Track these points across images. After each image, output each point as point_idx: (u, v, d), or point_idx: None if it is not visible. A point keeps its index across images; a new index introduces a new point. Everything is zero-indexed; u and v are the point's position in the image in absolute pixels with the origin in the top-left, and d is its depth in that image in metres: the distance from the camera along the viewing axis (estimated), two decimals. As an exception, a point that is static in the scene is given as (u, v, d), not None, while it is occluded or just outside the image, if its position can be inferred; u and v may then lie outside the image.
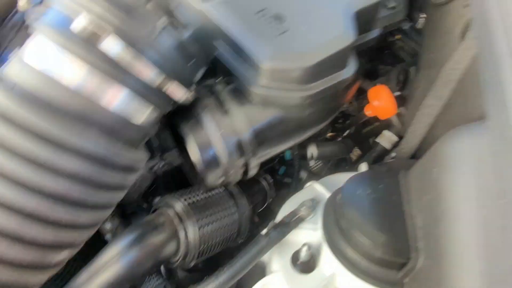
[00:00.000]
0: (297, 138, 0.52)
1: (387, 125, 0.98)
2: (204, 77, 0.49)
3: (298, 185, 0.92)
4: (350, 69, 0.45)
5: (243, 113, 0.44)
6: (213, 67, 0.46)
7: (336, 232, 0.48)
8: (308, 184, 0.64)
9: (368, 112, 0.73)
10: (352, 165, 0.99)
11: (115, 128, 0.32)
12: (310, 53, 0.39)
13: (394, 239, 0.43)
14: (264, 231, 0.51)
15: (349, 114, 1.14)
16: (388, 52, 0.97)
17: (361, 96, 1.02)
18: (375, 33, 0.51)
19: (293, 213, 0.54)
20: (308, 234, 0.53)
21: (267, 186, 0.83)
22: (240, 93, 0.44)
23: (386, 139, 0.97)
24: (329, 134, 1.15)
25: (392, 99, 0.62)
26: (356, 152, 1.30)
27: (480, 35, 0.39)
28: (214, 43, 0.43)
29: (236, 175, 0.45)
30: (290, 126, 0.48)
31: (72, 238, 0.32)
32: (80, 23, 0.27)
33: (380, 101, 0.62)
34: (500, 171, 0.30)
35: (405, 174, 0.51)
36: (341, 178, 0.65)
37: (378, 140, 0.96)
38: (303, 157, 0.94)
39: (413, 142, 0.63)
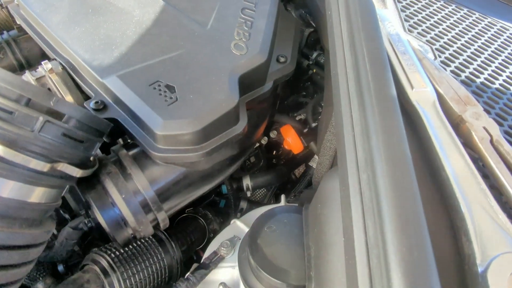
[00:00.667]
0: (206, 186, 0.57)
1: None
2: (115, 136, 0.53)
3: (238, 216, 0.97)
4: (241, 124, 0.51)
5: (145, 175, 0.48)
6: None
7: (248, 269, 0.53)
8: (232, 221, 0.69)
9: (286, 146, 0.80)
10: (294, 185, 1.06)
11: (7, 213, 0.35)
12: (198, 119, 0.45)
13: (292, 270, 0.48)
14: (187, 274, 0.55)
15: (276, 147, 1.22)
16: (309, 83, 1.08)
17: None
18: (267, 87, 0.58)
19: (213, 254, 0.59)
20: (227, 272, 0.57)
21: (204, 223, 0.87)
22: (143, 156, 0.49)
23: (316, 162, 1.06)
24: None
25: (297, 138, 0.70)
26: (299, 169, 1.38)
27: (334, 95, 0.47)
28: (114, 113, 0.48)
29: (147, 230, 0.49)
30: (195, 179, 0.53)
31: None
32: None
33: (289, 139, 0.70)
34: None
35: (306, 208, 0.57)
36: (261, 212, 0.71)
37: (311, 163, 1.05)
38: (240, 189, 0.99)
39: (321, 173, 0.70)
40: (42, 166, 0.36)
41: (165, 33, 0.55)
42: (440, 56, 0.46)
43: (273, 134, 1.01)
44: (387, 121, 0.34)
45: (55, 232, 0.73)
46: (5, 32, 0.81)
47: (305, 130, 0.87)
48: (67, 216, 0.74)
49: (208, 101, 0.47)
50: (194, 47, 0.54)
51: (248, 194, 1.11)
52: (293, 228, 0.55)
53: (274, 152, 1.16)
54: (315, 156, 1.05)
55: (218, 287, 0.52)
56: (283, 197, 0.73)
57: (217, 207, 1.02)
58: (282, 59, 0.62)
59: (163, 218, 0.49)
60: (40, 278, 0.67)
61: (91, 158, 0.44)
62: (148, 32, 0.56)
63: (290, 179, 1.25)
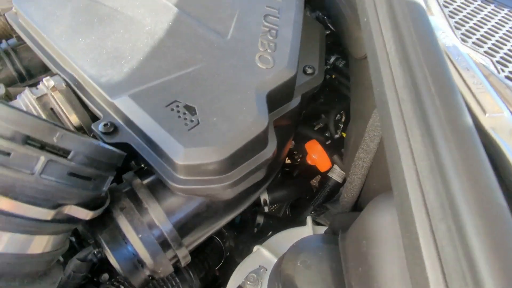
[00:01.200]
0: (230, 216, 0.51)
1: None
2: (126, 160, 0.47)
3: (255, 231, 0.91)
4: (270, 148, 0.45)
5: (163, 209, 0.42)
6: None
7: (281, 309, 0.47)
8: (255, 249, 0.63)
9: (309, 161, 0.74)
10: (309, 201, 1.00)
11: (4, 269, 0.29)
12: (224, 146, 0.39)
13: (334, 316, 0.42)
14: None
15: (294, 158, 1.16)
16: (328, 89, 1.01)
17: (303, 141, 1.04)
18: (295, 102, 0.51)
19: (239, 289, 0.52)
20: (256, 310, 0.51)
21: (220, 242, 0.81)
22: (159, 186, 0.43)
23: (337, 173, 1.00)
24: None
25: (324, 155, 0.63)
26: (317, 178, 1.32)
27: (379, 104, 0.40)
28: (126, 137, 0.42)
29: (166, 270, 0.43)
30: (218, 209, 0.47)
31: None
32: None
33: (315, 155, 0.63)
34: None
35: (342, 238, 0.51)
36: (287, 236, 0.65)
37: (330, 174, 0.98)
38: (257, 204, 0.93)
39: (352, 192, 0.64)
40: (46, 214, 0.30)
41: (180, 45, 0.49)
42: (503, 71, 0.40)
43: (291, 145, 0.95)
44: (469, 157, 0.27)
45: (61, 258, 0.67)
46: (3, 41, 0.75)
47: (328, 142, 0.80)
48: (73, 239, 0.68)
49: (234, 124, 0.41)
50: (214, 60, 0.48)
51: (266, 209, 1.05)
52: (329, 262, 0.48)
53: (290, 161, 1.09)
54: (335, 166, 0.99)
55: (247, 333, 0.46)
56: (309, 219, 0.67)
57: (231, 222, 0.96)
58: (309, 71, 0.55)
59: (184, 255, 0.43)
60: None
61: (101, 194, 0.38)
62: (162, 44, 0.49)
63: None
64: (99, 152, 0.33)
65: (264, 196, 0.92)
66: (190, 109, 0.42)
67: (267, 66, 0.47)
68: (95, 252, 0.57)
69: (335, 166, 0.97)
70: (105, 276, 0.67)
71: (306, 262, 0.48)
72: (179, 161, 0.39)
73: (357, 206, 0.66)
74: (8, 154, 0.28)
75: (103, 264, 0.70)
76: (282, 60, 0.48)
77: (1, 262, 0.29)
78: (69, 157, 0.31)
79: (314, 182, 1.22)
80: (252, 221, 0.94)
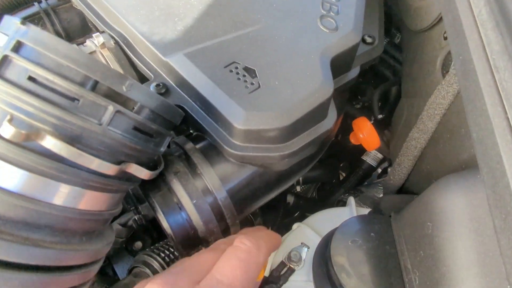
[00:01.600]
0: (280, 188, 0.49)
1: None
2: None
3: (286, 210, 0.89)
4: (331, 119, 0.42)
5: (218, 174, 0.40)
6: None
7: (328, 287, 0.45)
8: (295, 225, 0.61)
9: (353, 140, 0.70)
10: (338, 185, 0.97)
11: (65, 225, 0.28)
12: (287, 112, 0.36)
13: (390, 297, 0.40)
14: None
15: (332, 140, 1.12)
16: (369, 69, 0.96)
17: (344, 121, 1.00)
18: (354, 72, 0.48)
19: (282, 265, 0.51)
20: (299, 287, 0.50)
21: (251, 217, 0.79)
22: (213, 152, 0.41)
23: (371, 156, 0.96)
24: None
25: (375, 133, 0.60)
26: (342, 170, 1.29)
27: (463, 74, 0.37)
28: (178, 99, 0.40)
29: (217, 238, 0.42)
30: (270, 180, 0.44)
31: None
32: (6, 129, 0.23)
33: (364, 133, 0.60)
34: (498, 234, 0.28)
35: (397, 219, 0.48)
36: (328, 217, 0.62)
37: (364, 157, 0.95)
38: (289, 184, 0.91)
39: (400, 175, 0.60)
40: (109, 168, 0.28)
41: (237, 4, 0.46)
42: None
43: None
44: None
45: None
46: (43, 0, 0.73)
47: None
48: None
49: (297, 90, 0.38)
50: (273, 21, 0.44)
51: (298, 188, 1.03)
52: (382, 243, 0.46)
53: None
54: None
55: (294, 309, 0.44)
56: (352, 199, 0.64)
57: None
58: (369, 40, 0.51)
59: (234, 224, 0.41)
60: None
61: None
62: (217, 2, 0.46)
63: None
64: (163, 108, 0.31)
65: (297, 175, 0.90)
66: (250, 72, 0.39)
67: (330, 29, 0.44)
68: (136, 219, 0.56)
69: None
70: (138, 244, 0.67)
71: (358, 241, 0.46)
72: (238, 125, 0.37)
73: (403, 189, 0.62)
74: (77, 100, 0.26)
75: (136, 233, 0.70)
76: (347, 24, 0.44)
77: (62, 217, 0.28)
78: (135, 109, 0.29)
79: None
80: (281, 200, 0.92)
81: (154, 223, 0.64)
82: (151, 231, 0.67)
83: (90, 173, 0.28)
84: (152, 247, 0.56)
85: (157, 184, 0.39)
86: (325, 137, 0.42)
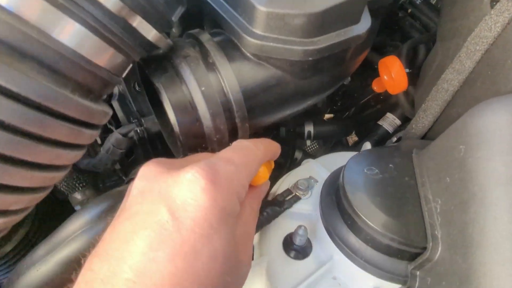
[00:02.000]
0: (292, 107, 0.44)
1: (390, 108, 0.92)
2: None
3: (292, 166, 0.86)
4: (363, 25, 0.37)
5: (232, 68, 0.36)
6: (199, 21, 0.39)
7: (337, 216, 0.42)
8: (304, 161, 0.57)
9: (376, 87, 0.66)
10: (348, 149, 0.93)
11: (60, 65, 0.24)
12: (318, -3, 0.32)
13: (406, 225, 0.36)
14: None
15: (350, 95, 1.08)
16: (397, 28, 0.91)
17: (365, 72, 0.95)
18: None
19: (287, 192, 0.47)
20: (303, 216, 0.46)
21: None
22: (230, 45, 0.36)
23: (389, 122, 0.91)
24: (327, 116, 1.09)
25: (404, 72, 0.55)
26: (352, 137, 1.25)
27: None
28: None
29: (221, 144, 0.38)
30: (287, 92, 0.40)
31: (17, 200, 0.25)
32: None
33: (392, 73, 0.55)
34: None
35: (420, 154, 0.44)
36: (340, 157, 0.58)
37: (380, 122, 0.90)
38: (300, 136, 0.87)
39: (425, 121, 0.56)
40: (116, 6, 0.24)
41: None
42: None
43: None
44: None
45: (99, 141, 0.64)
46: None
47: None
48: (113, 127, 0.65)
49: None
50: None
51: (308, 143, 0.99)
52: (401, 174, 0.42)
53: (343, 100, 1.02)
54: (387, 114, 0.91)
55: (297, 230, 0.41)
56: (368, 144, 0.60)
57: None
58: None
59: (243, 134, 0.37)
60: (79, 188, 0.60)
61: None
62: None
63: (341, 141, 1.12)
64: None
65: (310, 128, 0.86)
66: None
67: None
68: (138, 131, 0.53)
69: (388, 114, 0.89)
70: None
71: (374, 170, 0.42)
72: (261, 6, 0.32)
73: (425, 138, 0.58)
74: None
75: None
76: None
77: (60, 55, 0.24)
78: None
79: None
80: (289, 156, 0.89)
81: (157, 147, 0.61)
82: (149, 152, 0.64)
83: (98, 8, 0.24)
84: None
85: (164, 66, 0.35)
86: (354, 45, 0.37)
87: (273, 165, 0.42)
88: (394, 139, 1.00)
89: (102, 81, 0.28)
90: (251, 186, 0.35)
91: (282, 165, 0.87)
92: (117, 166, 0.67)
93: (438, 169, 0.38)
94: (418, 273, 0.35)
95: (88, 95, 0.28)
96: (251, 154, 0.33)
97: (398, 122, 0.89)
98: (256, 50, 0.35)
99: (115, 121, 0.64)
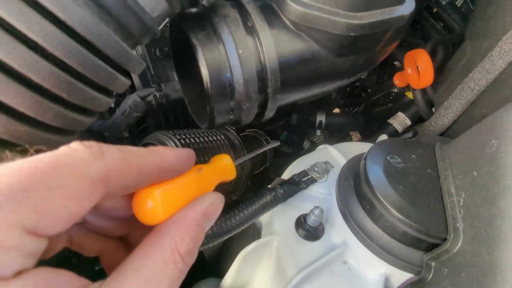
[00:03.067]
0: (321, 86, 0.43)
1: (401, 107, 0.91)
2: None
3: (300, 154, 0.85)
4: (407, 7, 0.36)
5: (271, 35, 0.35)
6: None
7: (354, 201, 0.41)
8: (321, 146, 0.57)
9: (398, 81, 0.65)
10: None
11: (109, 1, 0.23)
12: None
13: (426, 215, 0.36)
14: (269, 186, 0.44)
15: (363, 89, 1.07)
16: (418, 28, 0.90)
17: (383, 68, 0.94)
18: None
19: (304, 173, 0.47)
20: (318, 199, 0.46)
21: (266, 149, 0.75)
22: (270, 11, 0.35)
23: (399, 121, 0.91)
24: (336, 110, 1.08)
25: (432, 65, 0.54)
26: (356, 135, 1.24)
27: None
28: None
29: (249, 114, 0.37)
30: (320, 68, 0.39)
31: (47, 138, 0.24)
32: None
33: (420, 66, 0.54)
34: None
35: (443, 147, 0.43)
36: (356, 146, 0.58)
37: (390, 121, 0.90)
38: (311, 125, 0.86)
39: (445, 119, 0.55)
40: None
41: None
42: None
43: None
44: None
45: (113, 105, 0.63)
46: None
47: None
48: (127, 93, 0.64)
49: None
50: None
51: (318, 132, 0.98)
52: (424, 166, 0.41)
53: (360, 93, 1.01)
54: (398, 114, 0.90)
55: (313, 210, 0.40)
56: (385, 136, 0.59)
57: (277, 138, 0.90)
58: None
59: (273, 106, 0.36)
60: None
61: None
62: None
63: (345, 136, 1.12)
64: None
65: (322, 118, 0.85)
66: None
67: None
68: (157, 95, 0.51)
69: (399, 113, 0.89)
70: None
71: (397, 159, 0.42)
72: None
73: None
74: None
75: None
76: None
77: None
78: None
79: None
80: (297, 145, 0.88)
81: (170, 118, 0.60)
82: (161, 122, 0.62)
83: None
84: (167, 130, 0.51)
85: (202, 23, 0.34)
86: (396, 26, 0.36)
87: (228, 168, 0.28)
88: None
89: (142, 27, 0.27)
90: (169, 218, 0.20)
91: (286, 155, 0.87)
92: (125, 134, 0.66)
93: (464, 163, 0.38)
94: (433, 263, 0.35)
95: (127, 40, 0.27)
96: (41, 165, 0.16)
97: (408, 122, 0.89)
98: (297, 18, 0.34)
99: (130, 86, 0.63)
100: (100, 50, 0.23)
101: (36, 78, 0.20)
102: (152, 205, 0.19)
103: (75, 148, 0.18)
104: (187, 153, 0.22)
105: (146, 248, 0.18)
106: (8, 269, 0.15)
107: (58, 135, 0.25)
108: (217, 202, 0.21)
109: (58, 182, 0.16)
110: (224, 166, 0.28)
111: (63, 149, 0.18)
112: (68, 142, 0.28)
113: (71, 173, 0.17)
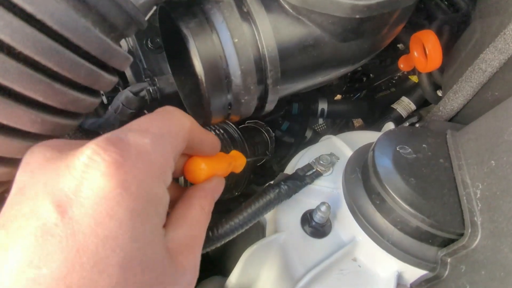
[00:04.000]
0: (324, 74, 0.41)
1: (405, 92, 0.88)
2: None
3: (302, 143, 0.83)
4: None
5: (269, 21, 0.32)
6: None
7: (362, 195, 0.39)
8: (324, 137, 0.54)
9: (403, 64, 0.62)
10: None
11: None
12: None
13: (440, 209, 0.34)
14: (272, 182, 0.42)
15: (365, 74, 1.04)
16: (422, 7, 0.86)
17: (386, 52, 0.91)
18: None
19: (308, 166, 0.44)
20: (324, 193, 0.44)
21: (267, 138, 0.73)
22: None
23: (403, 106, 0.88)
24: (337, 97, 1.05)
25: (440, 47, 0.51)
26: (358, 122, 1.22)
27: None
28: None
29: (248, 107, 0.35)
30: (323, 55, 0.36)
31: (25, 147, 0.22)
32: None
33: (427, 48, 0.51)
34: None
35: (456, 135, 0.41)
36: (362, 136, 0.55)
37: (394, 106, 0.87)
38: (313, 113, 0.84)
39: (454, 104, 0.53)
40: None
41: None
42: None
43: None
44: None
45: (105, 100, 0.60)
46: None
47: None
48: (120, 87, 0.61)
49: None
50: None
51: (320, 121, 0.96)
52: (436, 156, 0.39)
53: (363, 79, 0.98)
54: (402, 98, 0.88)
55: (319, 206, 0.38)
56: (391, 124, 0.57)
57: (278, 129, 0.87)
58: None
59: (273, 98, 0.34)
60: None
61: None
62: None
63: (347, 123, 1.09)
64: None
65: (323, 105, 0.82)
66: None
67: None
68: (151, 90, 0.49)
69: (403, 98, 0.86)
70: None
71: (407, 149, 0.39)
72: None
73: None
74: None
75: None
76: None
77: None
78: None
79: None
80: (299, 135, 0.85)
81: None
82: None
83: None
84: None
85: (193, 11, 0.31)
86: (403, 6, 0.33)
87: (240, 163, 0.37)
88: (407, 124, 0.98)
89: (125, 17, 0.24)
90: (201, 183, 0.29)
91: (288, 145, 0.84)
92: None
93: (480, 151, 0.35)
94: (449, 260, 0.33)
95: (109, 33, 0.24)
96: (175, 120, 0.25)
97: (413, 107, 0.86)
98: (297, 1, 0.31)
99: (123, 81, 0.60)
100: (78, 46, 0.21)
101: (4, 81, 0.18)
102: (200, 170, 0.29)
103: (176, 108, 0.26)
104: (218, 142, 0.30)
105: (185, 203, 0.27)
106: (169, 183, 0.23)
107: (37, 142, 0.22)
108: (220, 182, 0.31)
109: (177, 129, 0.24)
110: (240, 165, 0.37)
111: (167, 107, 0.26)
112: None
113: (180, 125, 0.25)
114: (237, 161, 0.36)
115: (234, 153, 0.36)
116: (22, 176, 0.20)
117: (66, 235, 0.17)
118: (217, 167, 0.31)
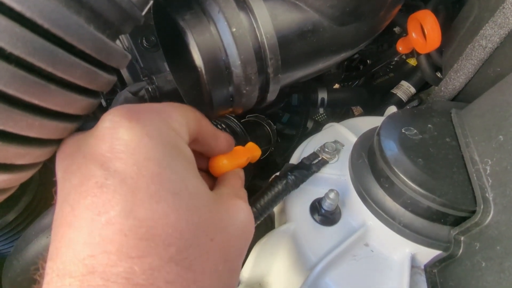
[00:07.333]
0: (325, 60, 0.40)
1: (403, 76, 0.88)
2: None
3: (304, 135, 0.83)
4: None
5: (266, 8, 0.31)
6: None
7: (370, 180, 0.39)
8: (328, 125, 0.54)
9: (402, 47, 0.61)
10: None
11: None
12: None
13: (451, 188, 0.33)
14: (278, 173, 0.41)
15: (362, 60, 1.03)
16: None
17: (382, 36, 0.90)
18: None
19: (313, 155, 0.44)
20: (330, 181, 0.43)
21: (269, 132, 0.72)
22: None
23: (403, 90, 0.88)
24: (336, 86, 1.05)
25: (439, 27, 0.50)
26: (357, 109, 1.21)
27: None
28: None
29: (250, 98, 0.34)
30: (323, 40, 0.36)
31: (22, 153, 0.21)
32: None
33: (426, 28, 0.51)
34: None
35: (461, 113, 0.41)
36: (365, 121, 0.55)
37: (394, 91, 0.87)
38: (313, 104, 0.83)
39: (456, 83, 0.52)
40: None
41: None
42: None
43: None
44: None
45: (104, 103, 0.60)
46: None
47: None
48: (118, 88, 0.60)
49: None
50: None
51: (321, 110, 0.95)
52: (442, 135, 0.39)
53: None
54: (402, 82, 0.87)
55: (328, 194, 0.38)
56: (394, 108, 0.56)
57: (279, 121, 0.87)
58: None
59: (274, 87, 0.33)
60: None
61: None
62: None
63: (348, 111, 1.09)
64: None
65: (323, 95, 0.82)
66: None
67: None
68: (149, 89, 0.48)
69: (403, 82, 0.85)
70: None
71: (413, 130, 0.39)
72: None
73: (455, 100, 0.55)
74: None
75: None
76: None
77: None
78: None
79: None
80: (300, 125, 0.85)
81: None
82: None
83: None
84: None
85: (188, 2, 0.30)
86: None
87: (256, 155, 0.40)
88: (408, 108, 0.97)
89: (121, 13, 0.24)
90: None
91: (289, 138, 0.84)
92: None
93: (487, 127, 0.35)
94: (462, 238, 0.33)
95: (104, 30, 0.23)
96: (183, 106, 0.30)
97: (413, 90, 0.85)
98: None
99: (120, 81, 0.60)
100: (72, 45, 0.20)
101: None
102: (223, 165, 0.33)
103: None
104: (232, 139, 0.34)
105: (220, 183, 0.32)
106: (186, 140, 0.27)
107: (36, 146, 0.22)
108: (242, 171, 0.35)
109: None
110: (256, 156, 0.40)
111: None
112: (52, 151, 0.26)
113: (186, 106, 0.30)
114: (253, 152, 0.39)
115: (250, 145, 0.39)
116: (62, 162, 0.23)
117: (118, 183, 0.20)
118: (237, 161, 0.35)
